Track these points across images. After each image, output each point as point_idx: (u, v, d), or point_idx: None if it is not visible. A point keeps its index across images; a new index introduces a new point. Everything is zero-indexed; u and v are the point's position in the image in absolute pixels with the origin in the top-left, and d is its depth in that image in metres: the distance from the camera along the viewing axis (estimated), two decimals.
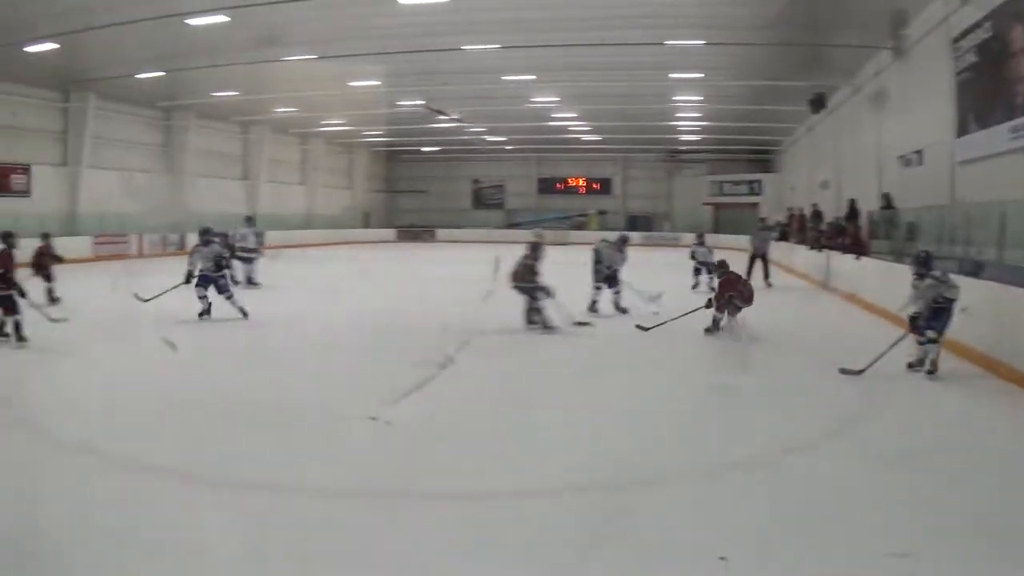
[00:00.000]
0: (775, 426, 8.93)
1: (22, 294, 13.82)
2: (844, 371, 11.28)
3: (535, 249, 15.38)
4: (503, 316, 14.10)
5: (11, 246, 14.17)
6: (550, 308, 14.75)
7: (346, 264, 36.38)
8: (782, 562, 5.55)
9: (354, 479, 7.23)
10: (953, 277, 11.73)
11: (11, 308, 13.68)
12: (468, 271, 25.67)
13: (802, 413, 9.72)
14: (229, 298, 16.94)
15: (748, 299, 15.06)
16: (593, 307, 18.12)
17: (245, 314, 16.71)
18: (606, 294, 18.54)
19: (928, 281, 11.58)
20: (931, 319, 11.52)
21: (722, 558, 5.46)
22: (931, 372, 11.53)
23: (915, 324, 11.75)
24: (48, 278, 19.27)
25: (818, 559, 5.59)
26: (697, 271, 24.41)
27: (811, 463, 7.84)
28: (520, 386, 11.15)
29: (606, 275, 18.56)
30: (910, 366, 11.85)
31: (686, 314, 15.31)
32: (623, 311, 18.23)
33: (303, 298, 21.73)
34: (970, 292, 11.97)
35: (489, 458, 7.84)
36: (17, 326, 13.67)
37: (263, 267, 24.27)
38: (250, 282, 23.80)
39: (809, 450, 8.23)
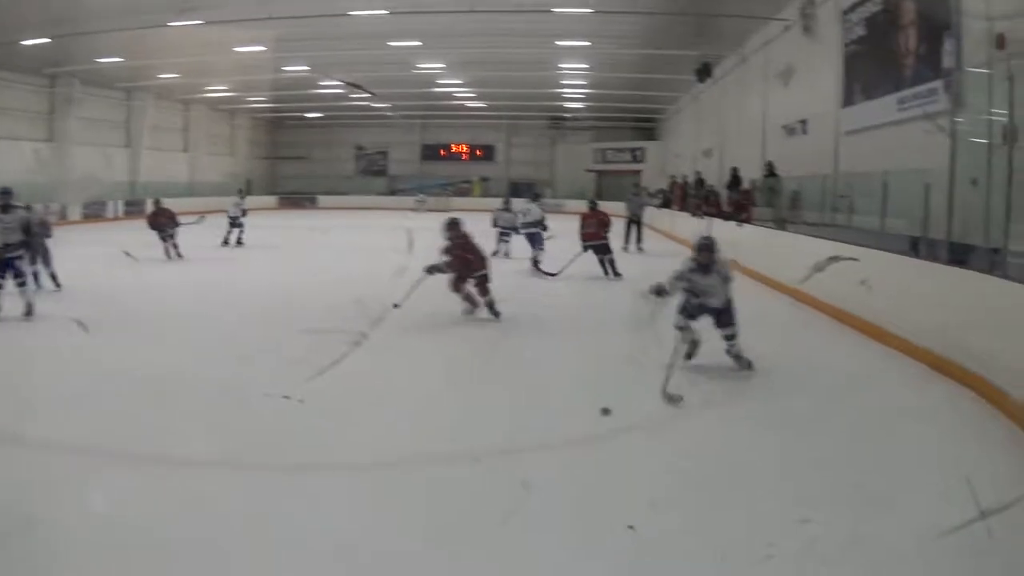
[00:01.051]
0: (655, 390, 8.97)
1: None
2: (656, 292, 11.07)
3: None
4: (418, 292, 14.00)
5: None
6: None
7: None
8: (686, 529, 5.62)
9: (262, 453, 7.16)
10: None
11: None
12: (370, 240, 25.59)
13: (694, 377, 9.85)
14: (22, 285, 13.40)
15: (471, 268, 13.79)
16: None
17: (30, 311, 13.23)
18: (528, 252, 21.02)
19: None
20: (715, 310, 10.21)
21: (630, 527, 5.51)
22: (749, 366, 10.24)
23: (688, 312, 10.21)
24: None
25: (726, 527, 5.66)
26: (501, 236, 23.71)
27: (703, 428, 8.01)
28: (434, 360, 11.09)
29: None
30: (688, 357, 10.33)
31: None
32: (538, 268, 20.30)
33: (206, 268, 21.06)
34: (869, 262, 12.28)
35: (397, 430, 7.81)
36: None
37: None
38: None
39: (703, 414, 8.40)
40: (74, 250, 21.27)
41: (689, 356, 10.32)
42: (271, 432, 7.75)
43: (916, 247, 12.80)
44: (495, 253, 22.45)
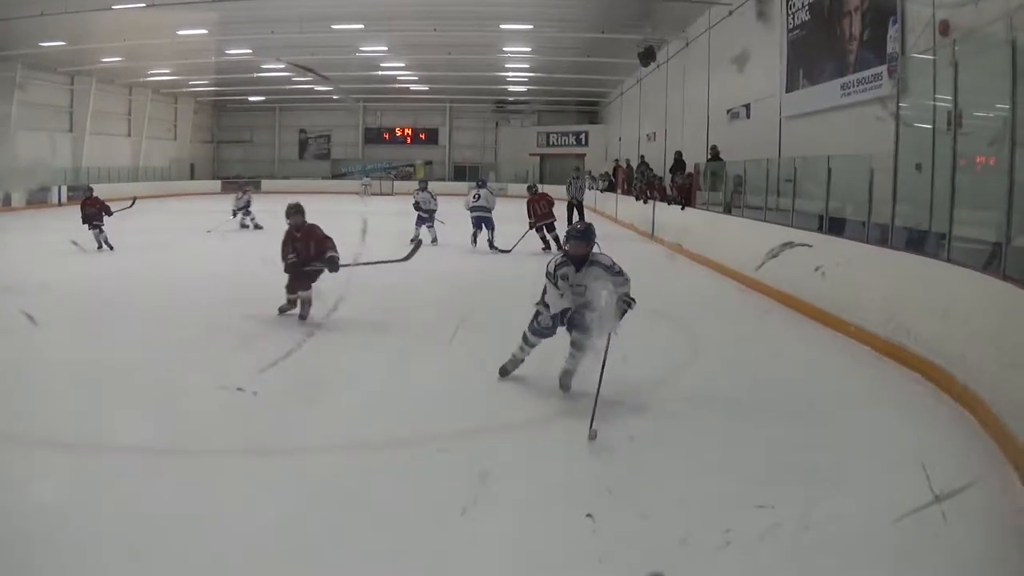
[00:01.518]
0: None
1: None
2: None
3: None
4: (370, 278, 13.85)
5: None
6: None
7: (181, 217, 35.55)
8: (644, 516, 5.61)
9: (210, 440, 7.14)
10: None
11: None
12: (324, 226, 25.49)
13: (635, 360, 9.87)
14: None
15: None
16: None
17: None
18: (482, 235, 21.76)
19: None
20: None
21: (588, 515, 5.49)
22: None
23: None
24: None
25: (683, 513, 5.66)
26: (420, 221, 23.37)
27: (655, 413, 8.00)
28: (384, 347, 11.01)
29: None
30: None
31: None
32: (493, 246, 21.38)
33: (150, 256, 20.66)
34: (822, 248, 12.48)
35: (349, 416, 7.79)
36: None
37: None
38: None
39: (643, 398, 8.41)
40: (18, 238, 21.02)
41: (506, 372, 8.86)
42: (221, 420, 7.72)
43: (863, 231, 12.92)
44: (414, 240, 21.86)
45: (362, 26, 35.02)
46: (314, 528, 5.31)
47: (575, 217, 26.87)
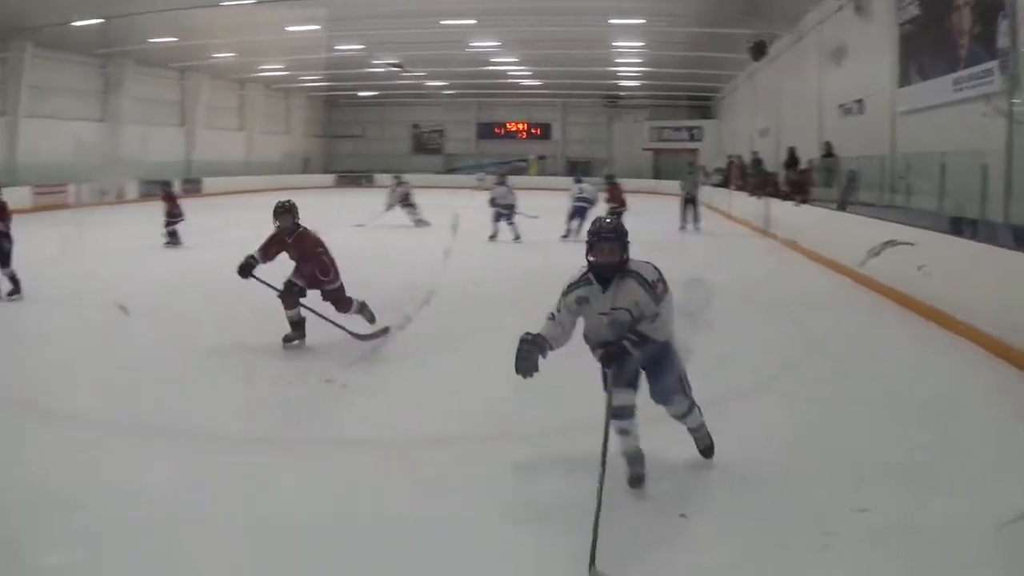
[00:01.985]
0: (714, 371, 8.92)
1: None
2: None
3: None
4: (462, 275, 13.84)
5: None
6: None
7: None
8: (740, 517, 5.53)
9: (298, 431, 7.46)
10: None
11: None
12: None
13: (745, 358, 9.80)
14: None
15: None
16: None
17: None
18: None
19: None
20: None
21: (682, 515, 5.47)
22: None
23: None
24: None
25: (781, 515, 5.56)
26: (498, 217, 22.93)
27: (759, 412, 7.89)
28: (475, 345, 11.02)
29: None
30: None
31: None
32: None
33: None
34: (927, 246, 12.24)
35: (429, 412, 7.92)
36: None
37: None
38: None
39: (752, 396, 8.33)
40: (130, 229, 21.54)
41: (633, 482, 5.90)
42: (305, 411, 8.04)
43: (976, 230, 12.69)
44: (492, 237, 22.71)
45: (474, 21, 35.16)
46: (427, 519, 5.41)
47: (689, 213, 26.76)
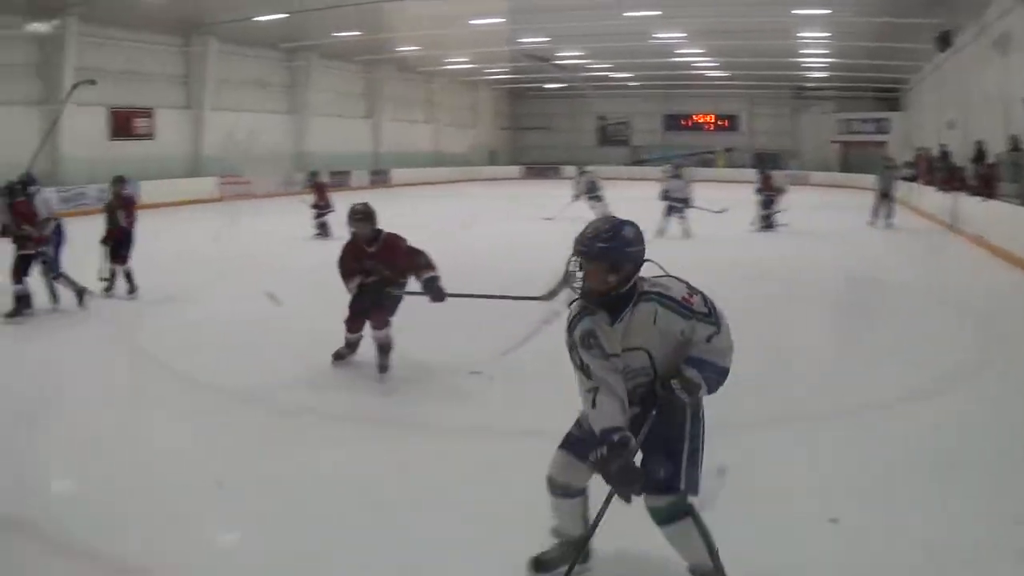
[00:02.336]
0: (889, 372, 8.78)
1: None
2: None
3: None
4: None
5: (119, 193, 14.22)
6: None
7: (473, 201, 37.21)
8: (890, 522, 5.44)
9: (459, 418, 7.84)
10: None
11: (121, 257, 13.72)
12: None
13: (919, 358, 9.59)
14: (56, 278, 12.61)
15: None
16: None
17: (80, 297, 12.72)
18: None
19: None
20: None
21: (833, 520, 5.41)
22: None
23: None
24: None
25: (931, 523, 5.46)
26: (670, 211, 22.04)
27: (927, 412, 7.77)
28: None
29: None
30: None
31: None
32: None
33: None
34: None
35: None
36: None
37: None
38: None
39: (924, 399, 8.15)
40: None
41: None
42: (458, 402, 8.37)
43: None
44: (660, 232, 21.05)
45: (659, 12, 35.07)
46: None
47: (883, 209, 26.16)
